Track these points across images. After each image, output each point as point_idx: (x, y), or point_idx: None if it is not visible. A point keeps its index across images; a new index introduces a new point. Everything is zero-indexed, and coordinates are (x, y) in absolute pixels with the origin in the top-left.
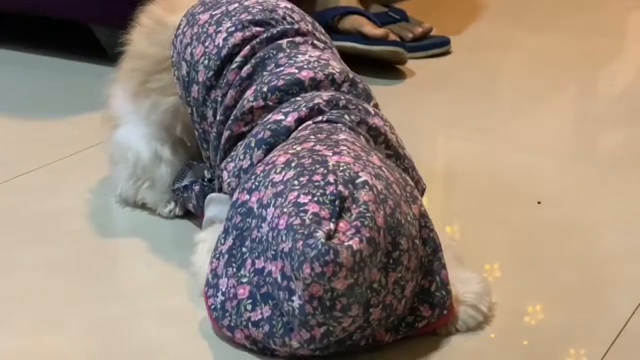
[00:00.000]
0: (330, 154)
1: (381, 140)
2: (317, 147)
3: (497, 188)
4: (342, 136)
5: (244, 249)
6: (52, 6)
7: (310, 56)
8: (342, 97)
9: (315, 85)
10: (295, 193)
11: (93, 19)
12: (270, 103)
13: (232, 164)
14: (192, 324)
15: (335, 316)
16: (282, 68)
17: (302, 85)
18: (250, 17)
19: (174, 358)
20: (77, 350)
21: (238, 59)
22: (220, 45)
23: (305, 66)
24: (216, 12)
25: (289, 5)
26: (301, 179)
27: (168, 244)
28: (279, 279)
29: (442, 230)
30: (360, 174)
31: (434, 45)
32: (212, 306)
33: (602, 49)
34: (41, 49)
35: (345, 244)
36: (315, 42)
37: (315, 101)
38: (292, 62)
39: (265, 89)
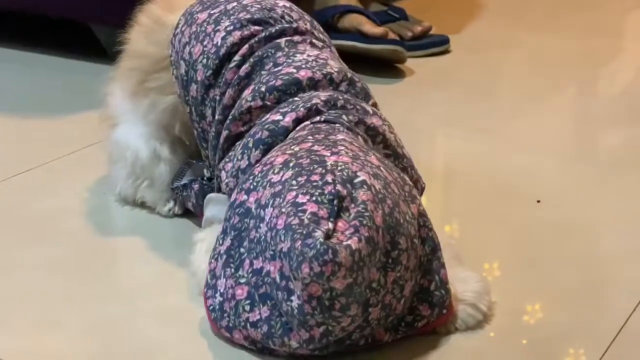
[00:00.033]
0: (329, 154)
1: (379, 140)
2: (315, 148)
3: (496, 187)
4: (340, 136)
5: (242, 250)
6: (53, 5)
7: (308, 55)
8: (340, 97)
9: (314, 84)
10: (294, 193)
11: (93, 18)
12: (269, 103)
13: (230, 164)
14: (191, 323)
15: (334, 316)
16: (280, 67)
17: (300, 85)
18: (248, 16)
19: (174, 357)
20: (76, 350)
21: (236, 57)
22: (219, 44)
23: (304, 66)
24: (215, 11)
25: (288, 4)
26: (299, 179)
27: (167, 243)
28: (278, 279)
29: (441, 229)
30: (358, 173)
31: (433, 44)
32: (211, 307)
33: (602, 48)
34: (40, 47)
35: (344, 243)
36: (314, 41)
37: (313, 101)
38: (290, 61)
39: (263, 89)
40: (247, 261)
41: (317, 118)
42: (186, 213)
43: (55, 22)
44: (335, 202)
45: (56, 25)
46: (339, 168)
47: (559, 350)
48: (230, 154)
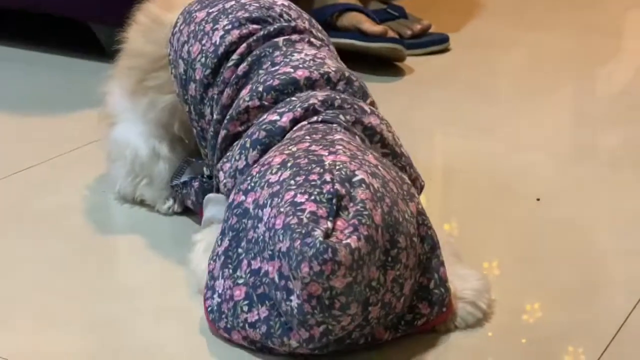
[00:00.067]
0: (326, 154)
1: (377, 139)
2: (313, 147)
3: (495, 186)
4: (337, 136)
5: (239, 250)
6: (54, 3)
7: (306, 54)
8: (338, 97)
9: (311, 84)
10: (292, 192)
11: (92, 17)
12: (266, 103)
13: (228, 165)
14: (191, 321)
15: (334, 315)
16: (277, 67)
17: (297, 85)
18: (247, 15)
19: (173, 355)
20: (76, 348)
21: (234, 56)
22: (217, 43)
23: (301, 65)
24: (213, 9)
25: (286, 2)
26: (297, 178)
27: (167, 241)
28: (277, 279)
29: (440, 228)
30: (356, 172)
31: (432, 43)
32: (209, 308)
33: (601, 47)
34: (41, 46)
35: (344, 242)
36: (312, 39)
37: (311, 101)
38: (288, 60)
39: (260, 89)
40: (245, 262)
41: (315, 118)
42: (185, 211)
43: (55, 21)
44: (334, 201)
45: (56, 24)
46: (337, 167)
47: (558, 349)
48: (228, 154)
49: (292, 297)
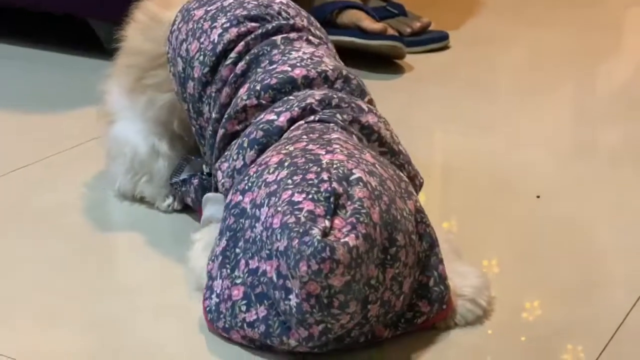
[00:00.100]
0: (324, 153)
1: (374, 138)
2: (310, 147)
3: (495, 183)
4: (334, 135)
5: (237, 250)
6: (53, 1)
7: (303, 53)
8: (335, 96)
9: (308, 83)
10: (290, 192)
11: (92, 14)
12: (264, 102)
13: (226, 164)
14: (190, 319)
15: (333, 313)
16: (275, 65)
17: (295, 84)
18: (245, 13)
19: (173, 353)
20: (76, 346)
21: (233, 54)
22: (216, 41)
23: (298, 64)
24: (211, 7)
25: (284, 0)
26: (295, 177)
27: (166, 238)
28: (275, 278)
29: (439, 225)
30: (354, 171)
31: (432, 40)
32: (208, 308)
33: (601, 44)
34: (40, 43)
35: (342, 240)
36: (310, 37)
37: (308, 101)
38: (286, 59)
39: (258, 88)
40: (243, 261)
41: (312, 117)
42: (185, 208)
43: (55, 19)
44: (332, 199)
45: (55, 22)
46: (335, 166)
47: (557, 347)
48: (226, 153)
49: (290, 296)
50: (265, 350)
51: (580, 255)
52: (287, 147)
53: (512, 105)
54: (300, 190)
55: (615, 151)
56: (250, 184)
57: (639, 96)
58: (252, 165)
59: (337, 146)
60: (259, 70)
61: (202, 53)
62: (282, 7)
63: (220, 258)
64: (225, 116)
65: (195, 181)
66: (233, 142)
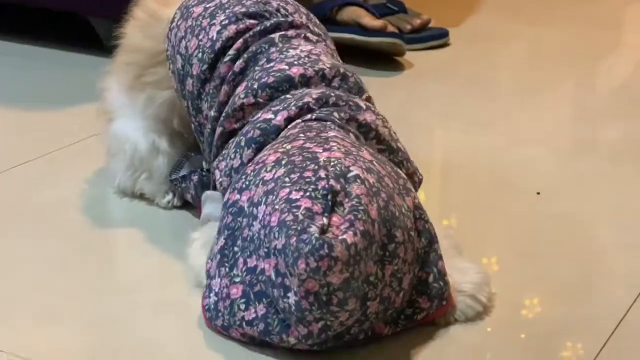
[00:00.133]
0: (321, 151)
1: (372, 135)
2: (307, 145)
3: (495, 181)
4: (331, 133)
5: (235, 249)
6: None
7: (301, 51)
8: (332, 94)
9: (306, 81)
10: (287, 190)
11: (91, 11)
12: (261, 100)
13: (223, 163)
14: (190, 315)
15: (332, 311)
16: (272, 64)
17: (292, 82)
18: (244, 10)
19: (172, 350)
20: (76, 344)
21: (231, 52)
22: (214, 38)
23: (296, 62)
24: (210, 4)
25: None
26: (292, 175)
27: (166, 235)
28: (273, 277)
29: (439, 223)
30: (351, 168)
31: (432, 37)
32: (206, 307)
33: (601, 41)
34: (39, 40)
35: (340, 237)
36: (309, 34)
37: (305, 100)
38: (283, 57)
39: (255, 86)
40: (241, 260)
41: (309, 116)
42: (185, 205)
43: (54, 15)
44: (329, 197)
45: (55, 19)
46: (332, 163)
47: (557, 344)
48: (224, 152)
49: (289, 294)
50: (265, 347)
51: (580, 252)
52: (284, 146)
53: (512, 103)
54: (297, 188)
55: (615, 148)
56: (247, 183)
57: (639, 93)
58: (250, 164)
59: (335, 144)
60: (256, 68)
61: (200, 50)
62: (281, 3)
63: (218, 257)
64: (223, 114)
65: (195, 177)
66: (230, 141)
